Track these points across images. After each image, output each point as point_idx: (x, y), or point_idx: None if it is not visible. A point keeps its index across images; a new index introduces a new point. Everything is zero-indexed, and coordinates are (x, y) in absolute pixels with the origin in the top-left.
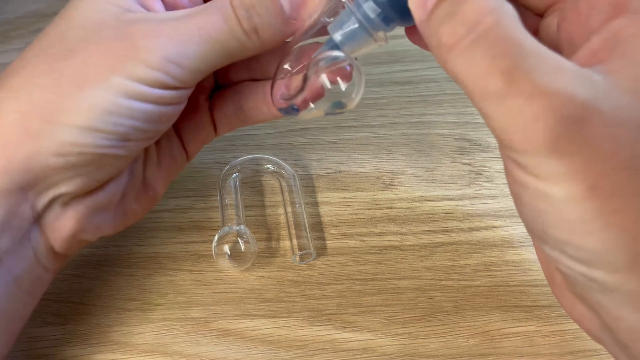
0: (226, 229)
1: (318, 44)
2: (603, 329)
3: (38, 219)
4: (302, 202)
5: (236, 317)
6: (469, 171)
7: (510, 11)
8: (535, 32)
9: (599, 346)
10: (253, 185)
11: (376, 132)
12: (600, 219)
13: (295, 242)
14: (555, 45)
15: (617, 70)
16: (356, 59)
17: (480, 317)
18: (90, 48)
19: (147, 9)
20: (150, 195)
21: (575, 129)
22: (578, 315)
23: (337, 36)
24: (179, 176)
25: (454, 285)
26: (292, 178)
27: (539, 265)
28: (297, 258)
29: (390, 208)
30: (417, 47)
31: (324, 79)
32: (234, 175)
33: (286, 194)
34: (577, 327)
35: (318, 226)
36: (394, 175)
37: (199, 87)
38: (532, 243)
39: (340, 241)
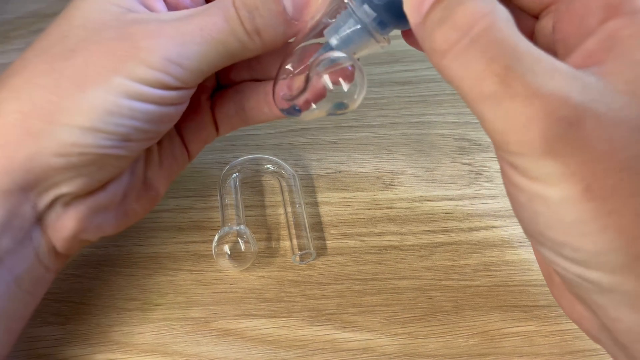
0: (226, 229)
1: (320, 44)
2: (601, 330)
3: (39, 219)
4: (302, 202)
5: (236, 317)
6: (469, 171)
7: (504, 14)
8: (531, 34)
9: (598, 346)
10: (253, 185)
11: (376, 132)
12: (597, 220)
13: (295, 242)
14: (551, 47)
15: (613, 72)
16: (358, 59)
17: (480, 317)
18: (91, 48)
19: (149, 9)
20: (151, 195)
21: (570, 131)
22: (577, 315)
23: (333, 40)
24: (179, 176)
25: (453, 285)
26: (292, 178)
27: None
28: (297, 258)
29: (390, 208)
30: None
31: (326, 79)
32: (234, 175)
33: (286, 194)
34: (577, 327)
35: (318, 226)
36: (394, 175)
37: (200, 87)
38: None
39: (340, 241)
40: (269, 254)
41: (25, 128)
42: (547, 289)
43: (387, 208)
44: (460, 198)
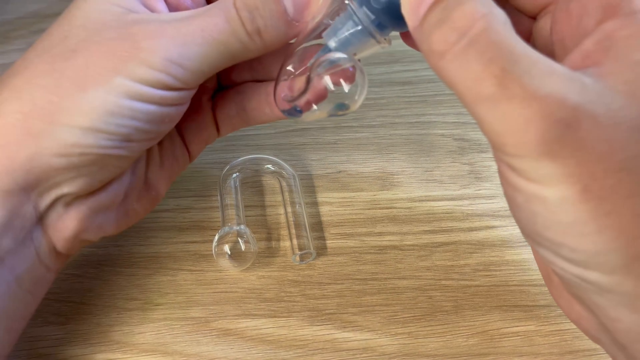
0: (226, 228)
1: (321, 45)
2: (601, 330)
3: (40, 219)
4: (302, 202)
5: (236, 317)
6: (469, 171)
7: (501, 16)
8: (529, 35)
9: (597, 346)
10: (253, 185)
11: (376, 132)
12: (594, 221)
13: (295, 242)
14: (548, 48)
15: (611, 73)
16: (359, 60)
17: (480, 317)
18: (92, 48)
19: (150, 9)
20: (152, 195)
21: (567, 132)
22: (576, 315)
23: (333, 42)
24: (180, 176)
25: (453, 285)
26: (292, 178)
27: None
28: (297, 258)
29: (390, 208)
30: None
31: (327, 80)
32: (234, 175)
33: (286, 194)
34: (576, 326)
35: (318, 226)
36: (393, 175)
37: (201, 88)
38: None
39: (340, 241)
40: (269, 253)
41: (26, 128)
42: (546, 289)
43: (387, 208)
44: (460, 198)
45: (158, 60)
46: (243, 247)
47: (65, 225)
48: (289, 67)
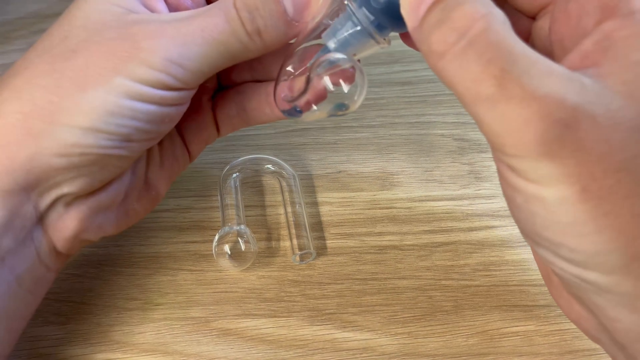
0: (226, 228)
1: (321, 46)
2: (600, 329)
3: (41, 219)
4: (302, 202)
5: (236, 317)
6: (468, 171)
7: (500, 16)
8: (528, 35)
9: (597, 346)
10: (253, 185)
11: (376, 132)
12: (593, 221)
13: (295, 241)
14: (547, 48)
15: (609, 73)
16: (359, 60)
17: (480, 317)
18: (92, 48)
19: (150, 9)
20: (152, 195)
21: (566, 133)
22: (576, 315)
23: (332, 42)
24: (180, 176)
25: (453, 284)
26: (292, 178)
27: None
28: (297, 258)
29: (390, 208)
30: None
31: (327, 81)
32: (234, 175)
33: (286, 194)
34: (576, 326)
35: (318, 226)
36: (393, 175)
37: (201, 88)
38: None
39: (340, 241)
40: (269, 253)
41: (26, 128)
42: (546, 288)
43: (387, 208)
44: (460, 198)
45: (158, 61)
46: (243, 247)
47: (66, 225)
48: (289, 68)
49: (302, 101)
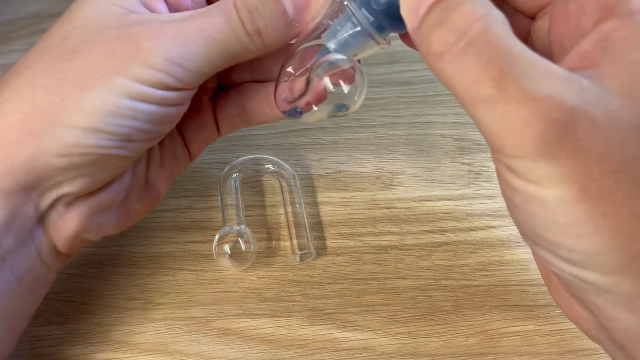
0: (227, 228)
1: (321, 46)
2: (600, 329)
3: (41, 218)
4: (302, 202)
5: (236, 317)
6: (468, 171)
7: (500, 17)
8: (527, 35)
9: (596, 345)
10: (253, 185)
11: (376, 132)
12: (592, 221)
13: (295, 241)
14: (546, 48)
15: (608, 74)
16: (359, 61)
17: (480, 317)
18: (92, 49)
19: (150, 10)
20: (152, 195)
21: (565, 133)
22: (575, 315)
23: (332, 43)
24: (180, 176)
25: (453, 284)
26: (292, 178)
27: None
28: (297, 258)
29: (390, 208)
30: None
31: (327, 81)
32: (235, 175)
33: (286, 194)
34: (575, 326)
35: (318, 226)
36: (393, 175)
37: (202, 88)
38: None
39: (340, 241)
40: (269, 253)
41: (27, 128)
42: (545, 288)
43: (387, 208)
44: (460, 198)
45: (158, 61)
46: (243, 247)
47: (66, 225)
48: (289, 69)
49: (302, 102)
